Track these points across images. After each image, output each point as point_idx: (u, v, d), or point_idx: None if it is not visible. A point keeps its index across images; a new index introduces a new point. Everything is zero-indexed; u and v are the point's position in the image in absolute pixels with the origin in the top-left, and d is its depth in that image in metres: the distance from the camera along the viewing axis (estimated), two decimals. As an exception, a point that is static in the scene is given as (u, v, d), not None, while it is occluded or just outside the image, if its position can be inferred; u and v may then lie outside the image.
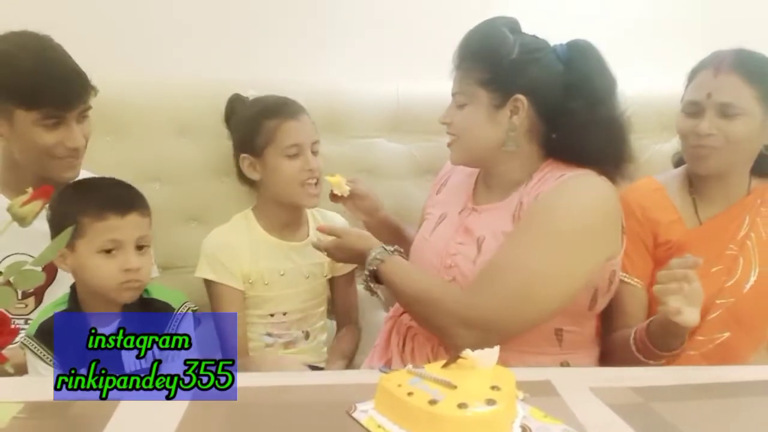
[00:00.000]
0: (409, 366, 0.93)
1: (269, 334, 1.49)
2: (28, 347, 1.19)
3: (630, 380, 1.02)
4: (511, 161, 1.25)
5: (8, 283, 0.77)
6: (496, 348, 0.90)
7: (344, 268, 1.57)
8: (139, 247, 1.19)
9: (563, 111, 1.20)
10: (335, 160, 1.59)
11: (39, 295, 1.35)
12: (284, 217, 1.50)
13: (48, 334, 1.18)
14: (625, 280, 1.32)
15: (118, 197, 1.19)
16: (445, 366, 0.92)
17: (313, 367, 1.46)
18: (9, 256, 1.28)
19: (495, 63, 1.21)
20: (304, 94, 1.51)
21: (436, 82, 1.32)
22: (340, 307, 1.61)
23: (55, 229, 1.13)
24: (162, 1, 1.72)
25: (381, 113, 1.67)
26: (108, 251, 1.16)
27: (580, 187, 1.19)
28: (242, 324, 1.45)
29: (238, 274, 1.45)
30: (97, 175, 1.30)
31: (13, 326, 0.79)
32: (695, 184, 1.36)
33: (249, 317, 1.48)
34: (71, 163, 1.31)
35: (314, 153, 1.46)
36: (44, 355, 1.18)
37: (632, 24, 1.87)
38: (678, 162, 1.44)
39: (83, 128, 1.30)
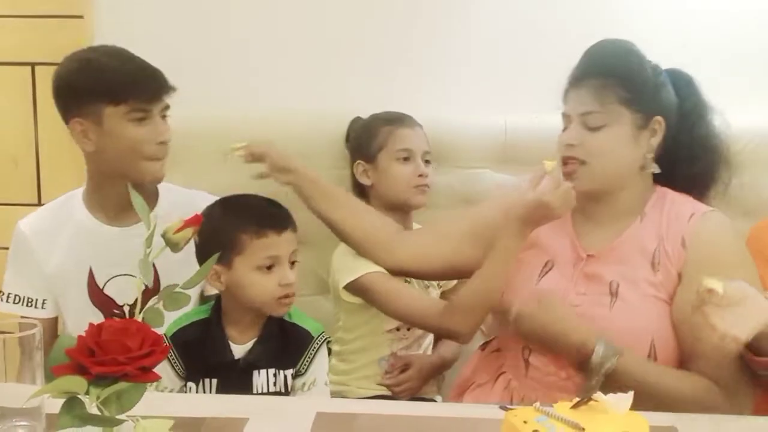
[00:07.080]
0: (537, 404, 0.92)
1: (385, 358, 1.46)
2: None
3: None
4: (634, 187, 1.25)
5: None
6: (630, 393, 0.89)
7: (454, 281, 1.54)
8: (292, 263, 1.23)
9: (676, 137, 1.25)
10: (440, 190, 1.60)
11: None
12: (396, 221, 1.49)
13: (181, 341, 1.22)
14: None
15: (275, 215, 1.23)
16: (575, 407, 0.91)
17: (423, 399, 1.43)
18: (114, 276, 1.39)
19: (640, 82, 1.22)
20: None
21: (544, 114, 1.32)
22: None
23: (208, 246, 1.12)
24: (255, 33, 1.80)
25: (488, 144, 1.67)
26: (268, 267, 1.20)
27: (725, 225, 1.23)
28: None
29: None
30: (241, 193, 1.31)
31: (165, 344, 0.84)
32: None
33: (374, 332, 1.47)
34: (157, 165, 1.37)
35: (426, 162, 1.53)
36: (172, 358, 1.21)
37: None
38: None
39: (166, 126, 1.38)
